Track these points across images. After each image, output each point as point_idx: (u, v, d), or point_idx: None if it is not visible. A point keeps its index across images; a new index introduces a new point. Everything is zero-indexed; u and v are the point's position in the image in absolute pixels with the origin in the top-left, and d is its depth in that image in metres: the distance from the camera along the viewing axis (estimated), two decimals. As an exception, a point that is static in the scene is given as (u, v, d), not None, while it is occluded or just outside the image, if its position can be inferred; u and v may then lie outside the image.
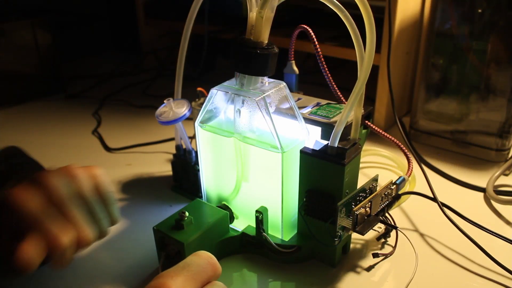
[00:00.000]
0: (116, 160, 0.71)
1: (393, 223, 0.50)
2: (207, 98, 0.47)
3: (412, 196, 0.56)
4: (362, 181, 0.46)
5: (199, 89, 0.60)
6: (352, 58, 0.62)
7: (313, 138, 0.46)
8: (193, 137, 0.60)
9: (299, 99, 0.52)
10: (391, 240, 0.51)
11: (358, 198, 0.45)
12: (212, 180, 0.52)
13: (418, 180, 0.60)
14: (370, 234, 0.52)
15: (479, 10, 0.63)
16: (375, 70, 0.70)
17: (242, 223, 0.51)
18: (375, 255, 0.48)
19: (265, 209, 0.47)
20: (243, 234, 0.49)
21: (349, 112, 0.41)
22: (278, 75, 0.47)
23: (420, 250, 0.50)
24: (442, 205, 0.53)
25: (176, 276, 0.34)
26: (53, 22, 0.95)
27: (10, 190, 0.40)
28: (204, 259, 0.37)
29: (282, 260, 0.49)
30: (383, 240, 0.51)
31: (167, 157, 0.72)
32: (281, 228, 0.48)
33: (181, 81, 0.54)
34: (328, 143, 0.43)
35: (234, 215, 0.51)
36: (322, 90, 0.59)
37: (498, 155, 0.68)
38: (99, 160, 0.71)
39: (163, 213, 0.57)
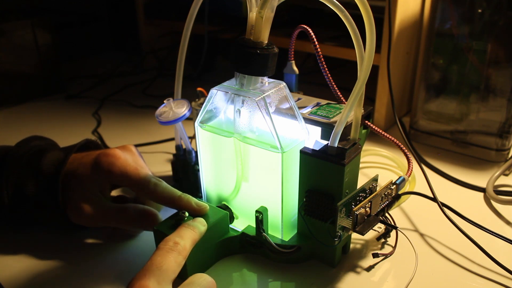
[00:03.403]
0: (116, 160, 0.71)
1: (393, 223, 0.50)
2: (207, 98, 0.47)
3: (412, 196, 0.56)
4: (362, 181, 0.46)
5: (199, 89, 0.60)
6: (352, 58, 0.62)
7: (313, 138, 0.46)
8: (193, 137, 0.60)
9: (299, 99, 0.52)
10: (391, 240, 0.51)
11: (358, 198, 0.45)
12: (212, 180, 0.52)
13: (418, 180, 0.60)
14: (370, 234, 0.52)
15: (479, 10, 0.63)
16: (375, 70, 0.70)
17: (242, 223, 0.51)
18: (375, 255, 0.48)
19: (265, 209, 0.47)
20: (243, 234, 0.49)
21: (349, 112, 0.41)
22: (278, 75, 0.47)
23: (420, 250, 0.50)
24: (442, 205, 0.53)
25: (150, 275, 0.37)
26: (53, 22, 0.95)
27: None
28: (170, 250, 0.40)
29: (282, 260, 0.49)
30: (383, 240, 0.51)
31: (167, 157, 0.72)
32: (281, 228, 0.48)
33: (181, 81, 0.54)
34: (328, 143, 0.43)
35: (234, 215, 0.51)
36: (322, 90, 0.59)
37: (498, 155, 0.68)
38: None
39: (163, 213, 0.57)
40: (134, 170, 0.49)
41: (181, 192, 0.48)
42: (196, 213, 0.47)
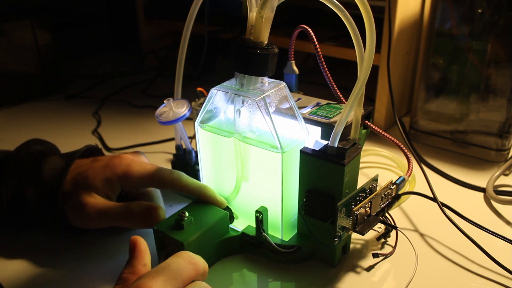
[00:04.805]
0: (116, 160, 0.71)
1: (393, 223, 0.50)
2: (207, 98, 0.47)
3: (412, 196, 0.56)
4: (362, 181, 0.46)
5: (199, 89, 0.60)
6: (352, 58, 0.62)
7: (313, 138, 0.46)
8: (193, 137, 0.60)
9: (299, 99, 0.52)
10: (391, 240, 0.51)
11: (358, 198, 0.45)
12: (212, 180, 0.52)
13: (418, 180, 0.60)
14: (370, 234, 0.52)
15: (479, 10, 0.63)
16: (375, 70, 0.70)
17: (242, 223, 0.51)
18: (375, 255, 0.48)
19: (265, 209, 0.47)
20: (243, 234, 0.49)
21: (349, 112, 0.41)
22: (278, 75, 0.47)
23: (420, 250, 0.50)
24: (442, 205, 0.53)
25: (157, 276, 0.35)
26: (53, 22, 0.95)
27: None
28: (185, 258, 0.38)
29: (282, 260, 0.49)
30: (383, 240, 0.51)
31: (167, 157, 0.72)
32: (281, 228, 0.48)
33: (181, 81, 0.54)
34: (328, 143, 0.43)
35: (234, 215, 0.51)
36: (322, 90, 0.59)
37: (498, 155, 0.68)
38: (99, 160, 0.71)
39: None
40: (152, 166, 0.50)
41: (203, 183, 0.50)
42: (218, 204, 0.49)
